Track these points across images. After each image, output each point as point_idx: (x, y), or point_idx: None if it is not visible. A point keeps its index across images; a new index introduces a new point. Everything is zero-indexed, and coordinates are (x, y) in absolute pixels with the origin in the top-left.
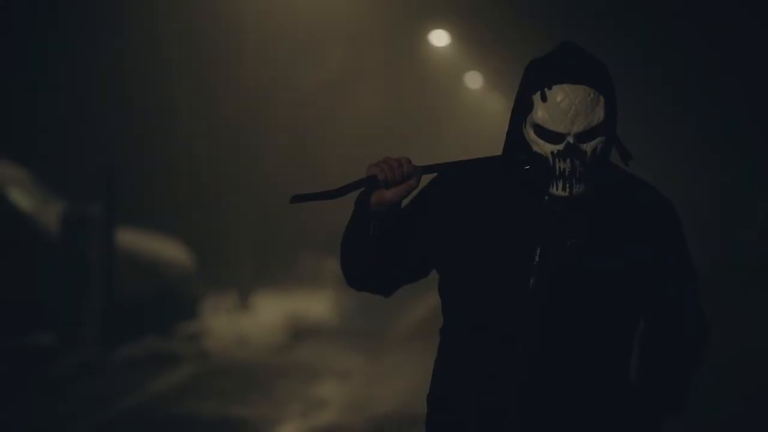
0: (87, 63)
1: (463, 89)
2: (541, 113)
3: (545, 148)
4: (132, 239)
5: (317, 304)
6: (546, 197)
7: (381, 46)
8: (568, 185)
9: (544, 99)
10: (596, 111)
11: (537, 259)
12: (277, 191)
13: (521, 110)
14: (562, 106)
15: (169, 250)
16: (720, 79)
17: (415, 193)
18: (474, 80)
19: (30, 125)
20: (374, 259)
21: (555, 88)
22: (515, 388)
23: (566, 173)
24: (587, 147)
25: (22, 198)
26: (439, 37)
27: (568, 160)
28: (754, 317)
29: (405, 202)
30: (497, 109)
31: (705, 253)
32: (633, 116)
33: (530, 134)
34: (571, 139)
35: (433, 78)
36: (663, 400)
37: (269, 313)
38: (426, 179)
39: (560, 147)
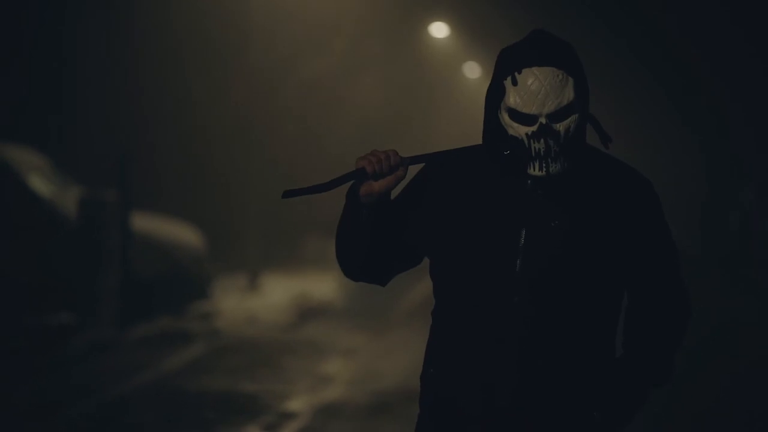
0: (102, 53)
1: (461, 79)
2: (512, 97)
3: (520, 130)
4: (146, 223)
5: (323, 285)
6: (529, 180)
7: (383, 38)
8: (544, 165)
9: (514, 83)
10: (566, 91)
11: (522, 240)
12: (284, 176)
13: (495, 97)
14: (532, 89)
15: (181, 233)
16: (702, 69)
17: (405, 183)
18: (472, 70)
19: (50, 114)
20: (368, 247)
21: (524, 71)
22: (505, 365)
23: (541, 153)
24: (560, 126)
25: (41, 184)
26: (439, 29)
27: (542, 140)
28: (736, 293)
29: (395, 192)
30: None
31: (690, 236)
32: (623, 107)
33: (505, 118)
34: (543, 120)
35: (433, 68)
36: (650, 372)
37: (277, 294)
38: (414, 170)
39: (534, 128)
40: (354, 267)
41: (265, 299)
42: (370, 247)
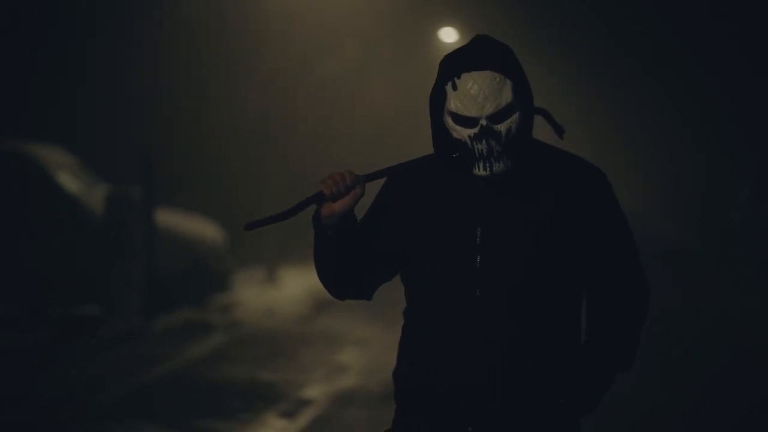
0: (127, 56)
1: None
2: (453, 101)
3: (463, 133)
4: (170, 219)
5: None
6: (481, 183)
7: (394, 42)
8: (488, 165)
9: (455, 88)
10: (503, 93)
11: (479, 239)
12: (299, 174)
13: (438, 102)
14: (472, 92)
15: (203, 228)
16: (701, 69)
17: (365, 200)
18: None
19: (75, 114)
20: (340, 266)
21: (463, 76)
22: (472, 357)
23: (484, 153)
24: (501, 127)
25: (70, 181)
26: (448, 34)
27: (483, 141)
28: (736, 293)
29: (361, 210)
30: None
31: (690, 235)
32: (623, 107)
33: (449, 122)
34: (484, 122)
35: None
36: (612, 356)
37: (294, 286)
38: (376, 186)
39: (475, 130)
40: (333, 287)
41: (282, 292)
42: (344, 265)
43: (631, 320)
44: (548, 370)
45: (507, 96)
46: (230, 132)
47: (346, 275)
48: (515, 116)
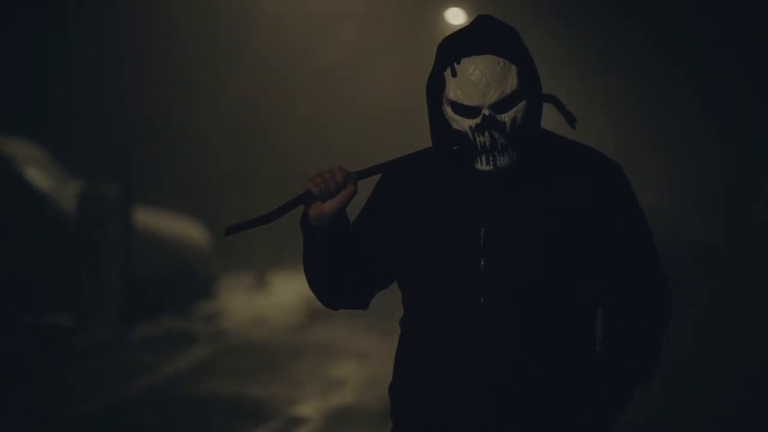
0: (103, 42)
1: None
2: (453, 89)
3: (463, 123)
4: (149, 218)
5: None
6: (484, 178)
7: (396, 25)
8: (491, 158)
9: (454, 74)
10: (508, 80)
11: (482, 240)
12: (293, 169)
13: (436, 90)
14: (473, 79)
15: (185, 229)
16: (725, 61)
17: (358, 199)
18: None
19: (47, 105)
20: (332, 272)
21: (463, 61)
22: (477, 370)
23: (487, 146)
24: (505, 117)
25: (39, 177)
26: (455, 15)
27: (486, 133)
28: (760, 285)
29: (354, 210)
30: None
31: (714, 228)
32: (646, 99)
33: (448, 112)
34: (486, 111)
35: None
36: (632, 368)
37: (286, 293)
38: (370, 184)
39: (477, 120)
40: (325, 296)
41: (273, 299)
42: (336, 272)
43: (651, 327)
44: (559, 386)
45: (512, 83)
46: (217, 124)
47: (339, 283)
48: (521, 105)
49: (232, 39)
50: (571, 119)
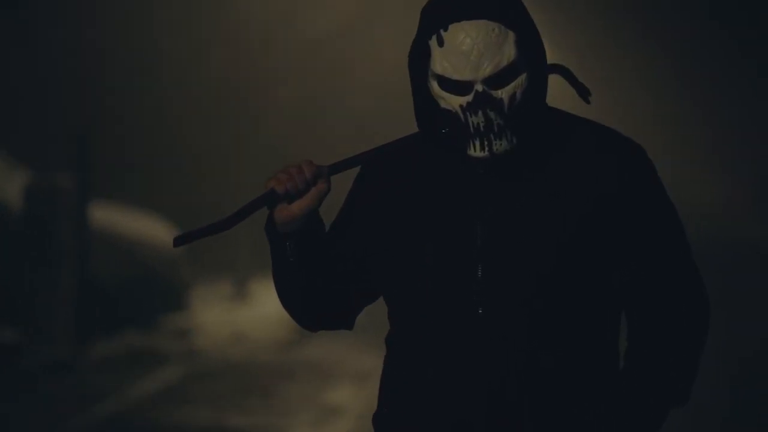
0: (53, 5)
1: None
2: (440, 61)
3: (453, 101)
4: (109, 215)
5: None
6: (479, 166)
7: None
8: (486, 143)
9: (441, 43)
10: (504, 49)
11: (480, 240)
12: (280, 157)
13: (420, 62)
14: (463, 49)
15: (152, 228)
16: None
17: (331, 196)
18: None
19: None
20: (306, 287)
21: (451, 27)
22: (474, 397)
23: (481, 128)
24: (502, 93)
25: None
26: None
27: (480, 113)
28: None
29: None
30: None
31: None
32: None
33: (435, 89)
34: (479, 87)
35: None
36: (665, 389)
37: (271, 304)
38: (349, 178)
39: (469, 98)
40: (301, 314)
41: (255, 311)
42: (312, 286)
43: (687, 339)
44: (578, 413)
45: (509, 52)
46: (190, 104)
47: (316, 299)
48: (521, 78)
49: (208, 3)
50: (584, 92)
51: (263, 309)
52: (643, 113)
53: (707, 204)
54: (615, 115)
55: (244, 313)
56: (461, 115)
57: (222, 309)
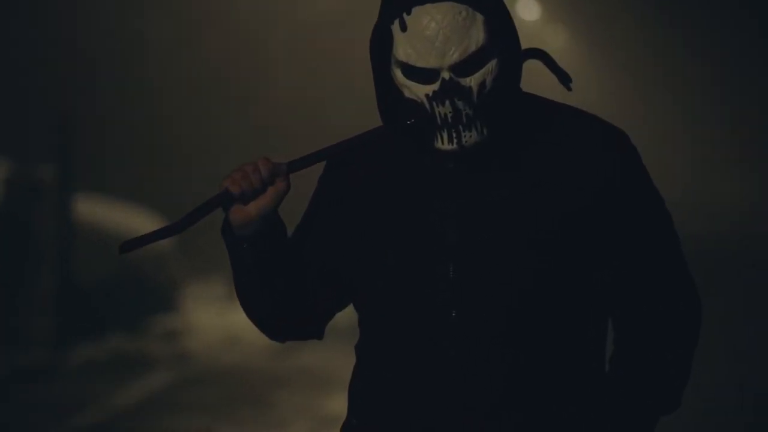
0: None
1: (514, 21)
2: (403, 47)
3: (418, 91)
4: (93, 209)
5: None
6: (448, 160)
7: None
8: (454, 134)
9: (403, 28)
10: (472, 33)
11: (450, 239)
12: (272, 149)
13: (383, 48)
14: (427, 33)
15: (138, 223)
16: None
17: (291, 196)
18: (529, 10)
19: None
20: (266, 294)
21: (415, 11)
22: (446, 405)
23: (449, 119)
24: (471, 81)
25: None
26: None
27: (447, 102)
28: None
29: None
30: (558, 45)
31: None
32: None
33: (398, 77)
34: (446, 75)
35: None
36: (655, 395)
37: None
38: (313, 175)
39: (435, 87)
40: (264, 324)
41: None
42: (274, 293)
43: (676, 343)
44: (559, 419)
45: (477, 37)
46: (177, 90)
47: (278, 306)
48: (491, 64)
49: None
50: (565, 79)
51: None
52: (673, 112)
53: (736, 203)
54: (640, 113)
55: (238, 315)
56: (427, 105)
57: (214, 310)
